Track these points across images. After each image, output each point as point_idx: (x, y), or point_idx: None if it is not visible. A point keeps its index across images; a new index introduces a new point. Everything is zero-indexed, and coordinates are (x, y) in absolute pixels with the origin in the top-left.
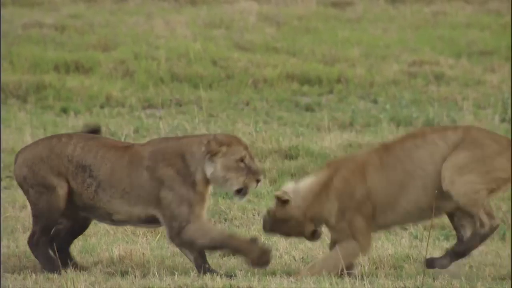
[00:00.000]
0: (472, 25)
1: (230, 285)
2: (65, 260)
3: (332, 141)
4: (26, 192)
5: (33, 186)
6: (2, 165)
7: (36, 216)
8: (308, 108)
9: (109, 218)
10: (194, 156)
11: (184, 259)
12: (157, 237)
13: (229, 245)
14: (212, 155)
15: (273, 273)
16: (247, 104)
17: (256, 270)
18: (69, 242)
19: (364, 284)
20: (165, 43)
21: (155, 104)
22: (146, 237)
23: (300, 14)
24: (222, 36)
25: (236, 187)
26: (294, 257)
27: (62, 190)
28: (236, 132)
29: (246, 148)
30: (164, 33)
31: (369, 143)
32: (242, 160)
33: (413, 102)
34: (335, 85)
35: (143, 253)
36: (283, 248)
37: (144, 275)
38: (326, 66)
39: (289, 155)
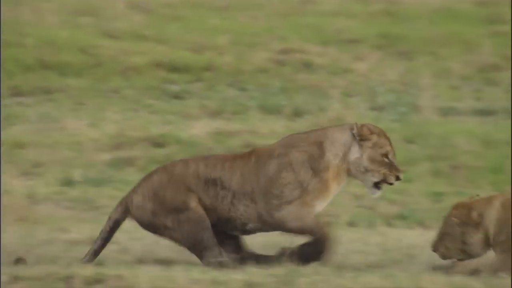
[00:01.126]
0: (339, 13)
1: (99, 274)
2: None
3: (201, 129)
4: (162, 230)
5: (168, 215)
6: None
7: (193, 244)
8: (177, 96)
9: (242, 228)
10: (337, 140)
11: (56, 247)
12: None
13: (317, 234)
14: (362, 139)
15: (141, 261)
16: (116, 92)
17: (124, 258)
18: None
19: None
20: (33, 30)
21: (23, 92)
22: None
23: (168, 1)
24: (91, 23)
25: (376, 180)
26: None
27: (194, 202)
28: (106, 120)
29: (391, 143)
30: (32, 20)
31: (238, 131)
32: (387, 155)
33: (281, 90)
34: (203, 73)
35: (9, 242)
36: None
37: (10, 263)
38: (194, 54)
39: (158, 143)
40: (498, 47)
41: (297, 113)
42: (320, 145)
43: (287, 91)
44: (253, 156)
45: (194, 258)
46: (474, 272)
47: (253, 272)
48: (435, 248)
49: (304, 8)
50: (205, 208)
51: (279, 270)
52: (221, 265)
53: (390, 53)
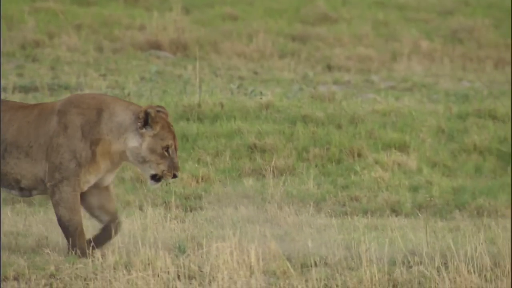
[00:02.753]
0: None
1: None
2: None
3: None
4: None
5: None
6: None
7: None
8: None
9: (17, 185)
10: (116, 116)
11: None
12: None
13: (73, 237)
14: (144, 125)
15: None
16: None
17: None
18: None
19: None
20: None
21: None
22: None
23: None
24: None
25: (153, 172)
26: None
27: None
28: None
29: (174, 137)
30: None
31: None
32: (167, 148)
33: None
34: None
35: None
36: None
37: None
38: None
39: None
40: (40, 24)
41: None
42: (99, 112)
43: None
44: (37, 109)
45: None
46: None
47: None
48: None
49: None
50: None
51: None
52: None
53: None
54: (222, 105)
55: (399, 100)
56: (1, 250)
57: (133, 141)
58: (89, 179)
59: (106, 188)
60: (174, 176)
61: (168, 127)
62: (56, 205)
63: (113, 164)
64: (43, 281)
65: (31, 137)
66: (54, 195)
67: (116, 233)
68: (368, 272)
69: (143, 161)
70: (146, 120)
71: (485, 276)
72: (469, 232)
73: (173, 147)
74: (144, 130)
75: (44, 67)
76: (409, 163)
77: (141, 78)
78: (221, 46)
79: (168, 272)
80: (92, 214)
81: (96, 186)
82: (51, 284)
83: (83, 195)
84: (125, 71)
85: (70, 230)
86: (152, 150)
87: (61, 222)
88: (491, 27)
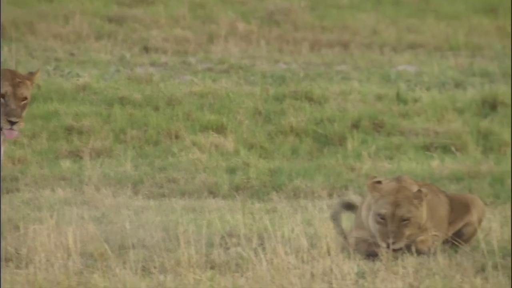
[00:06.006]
0: None
1: None
2: None
3: None
4: None
5: None
6: None
7: None
8: None
9: None
10: None
11: None
12: None
13: None
14: None
15: None
16: None
17: None
18: None
19: None
20: None
21: None
22: None
23: None
24: None
25: None
26: None
27: None
28: None
29: (14, 84)
30: None
31: None
32: (3, 96)
33: None
34: None
35: None
36: None
37: None
38: None
39: None
40: None
41: None
42: None
43: None
44: None
45: None
46: None
47: None
48: None
49: None
50: None
51: None
52: None
53: None
54: (38, 87)
55: (216, 82)
56: None
57: None
58: None
59: None
60: (10, 122)
61: (6, 75)
62: None
63: None
64: None
65: None
66: None
67: None
68: (185, 253)
69: None
70: None
71: (302, 257)
72: (286, 214)
73: (9, 93)
74: None
75: None
76: (226, 144)
77: None
78: (37, 27)
79: None
80: None
81: None
82: None
83: None
84: None
85: None
86: None
87: None
88: (307, 9)
